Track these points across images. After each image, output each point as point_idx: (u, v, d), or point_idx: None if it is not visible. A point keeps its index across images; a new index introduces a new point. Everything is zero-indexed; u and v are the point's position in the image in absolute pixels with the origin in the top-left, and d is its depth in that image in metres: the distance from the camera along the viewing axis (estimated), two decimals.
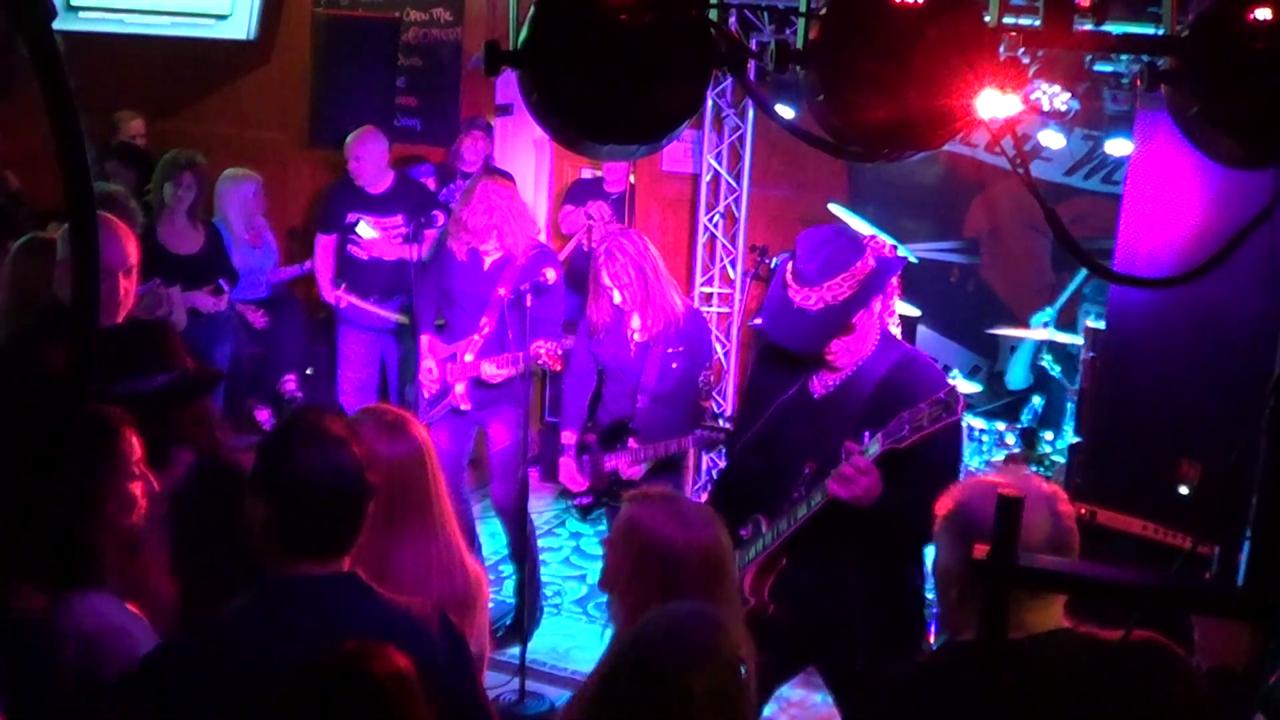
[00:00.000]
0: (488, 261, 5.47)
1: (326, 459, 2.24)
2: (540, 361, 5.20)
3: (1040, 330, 6.26)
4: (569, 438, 5.31)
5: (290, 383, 7.02)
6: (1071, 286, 6.53)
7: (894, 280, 3.66)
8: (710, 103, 7.43)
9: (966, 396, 6.31)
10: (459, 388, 5.50)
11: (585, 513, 6.15)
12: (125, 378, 2.87)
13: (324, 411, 2.41)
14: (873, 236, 3.81)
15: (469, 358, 5.46)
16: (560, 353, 5.24)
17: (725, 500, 3.80)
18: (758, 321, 6.25)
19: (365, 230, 6.64)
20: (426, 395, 5.58)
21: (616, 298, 5.00)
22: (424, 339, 5.64)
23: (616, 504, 5.21)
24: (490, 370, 5.38)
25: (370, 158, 6.62)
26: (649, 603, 2.58)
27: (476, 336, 5.46)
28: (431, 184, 7.14)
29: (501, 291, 5.38)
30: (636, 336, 5.07)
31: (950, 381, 5.87)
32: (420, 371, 5.61)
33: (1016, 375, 6.76)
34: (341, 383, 6.86)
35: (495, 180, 5.53)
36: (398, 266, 6.67)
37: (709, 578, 2.62)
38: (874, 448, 3.23)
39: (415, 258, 6.37)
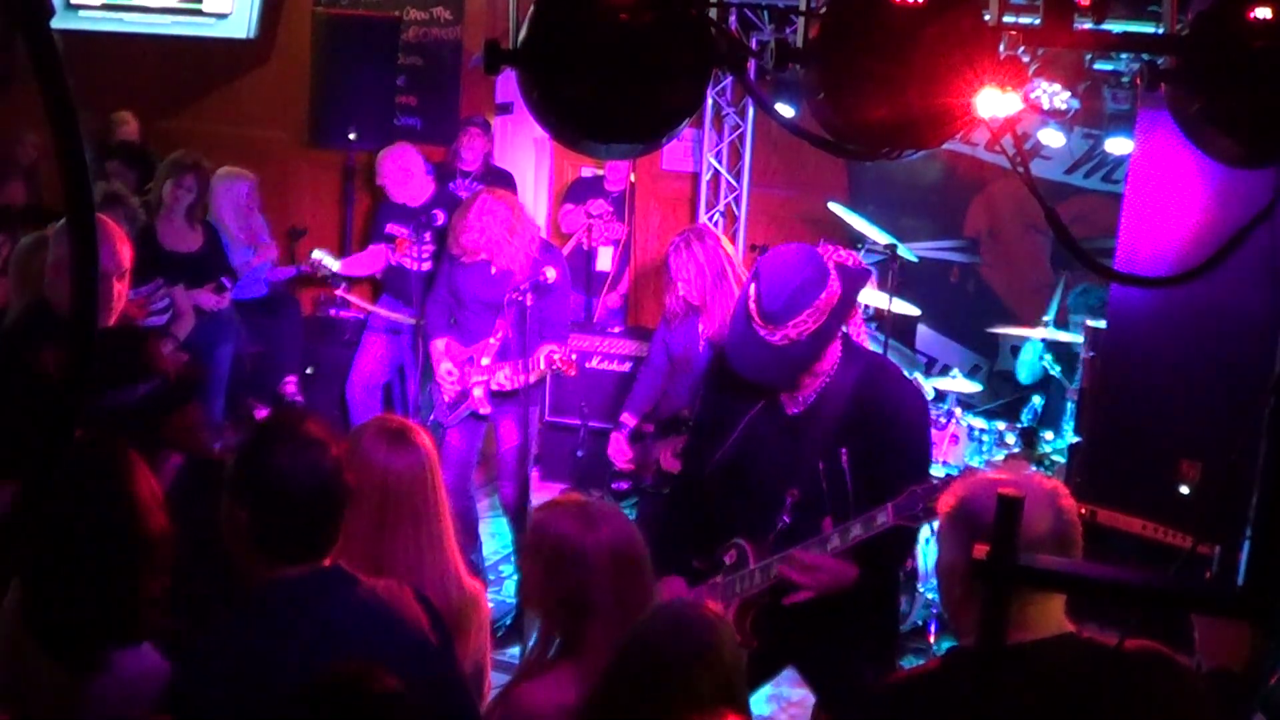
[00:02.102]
0: (494, 267, 5.46)
1: (304, 461, 2.22)
2: (555, 368, 5.25)
3: (1039, 329, 6.26)
4: (628, 419, 5.33)
5: (290, 384, 7.03)
6: (1054, 302, 6.54)
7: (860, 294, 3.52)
8: (710, 101, 7.43)
9: (966, 396, 6.32)
10: (477, 392, 5.50)
11: (619, 499, 6.17)
12: (105, 389, 2.83)
13: (301, 414, 2.39)
14: (835, 250, 3.70)
15: (485, 361, 5.46)
16: (574, 356, 5.26)
17: (695, 522, 3.63)
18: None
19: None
20: (447, 399, 5.57)
21: (681, 290, 5.04)
22: (439, 343, 5.60)
23: (652, 493, 5.24)
24: (503, 378, 5.39)
25: (391, 172, 6.68)
26: (562, 609, 2.53)
27: (492, 340, 5.45)
28: (432, 183, 7.15)
29: (514, 297, 5.37)
30: (704, 331, 5.10)
31: (919, 383, 5.90)
32: (437, 374, 5.59)
33: (1024, 371, 6.74)
34: (352, 376, 6.90)
35: (494, 195, 5.42)
36: (400, 273, 6.70)
37: (621, 577, 2.52)
38: (882, 517, 3.12)
39: (417, 264, 6.39)
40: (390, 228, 6.77)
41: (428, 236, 6.51)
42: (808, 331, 3.23)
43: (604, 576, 2.50)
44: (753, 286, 3.32)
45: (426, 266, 6.46)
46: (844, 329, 3.39)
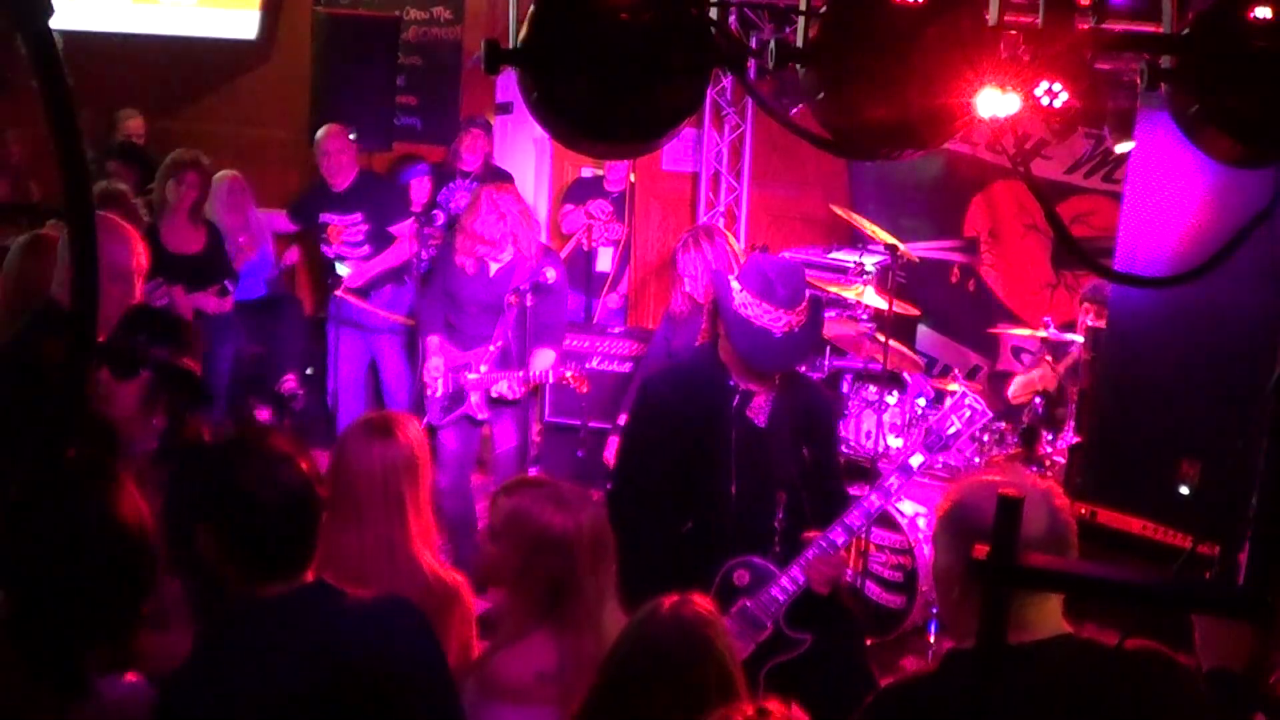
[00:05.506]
0: (494, 269, 5.45)
1: (270, 477, 2.16)
2: (566, 384, 5.37)
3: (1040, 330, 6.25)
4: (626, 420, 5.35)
5: (290, 382, 7.01)
6: None
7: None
8: (710, 101, 7.43)
9: None
10: (474, 397, 5.49)
11: None
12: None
13: (264, 430, 2.36)
14: None
15: (483, 369, 5.45)
16: (584, 373, 5.30)
17: (694, 542, 3.58)
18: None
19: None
20: (437, 395, 5.56)
21: (687, 286, 5.07)
22: (433, 340, 5.58)
23: None
24: (504, 388, 5.39)
25: (326, 153, 6.57)
26: (543, 591, 2.60)
27: (491, 348, 5.45)
28: (429, 183, 7.12)
29: (512, 300, 5.37)
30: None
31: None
32: (425, 370, 5.59)
33: None
34: (338, 381, 6.86)
35: (497, 188, 5.48)
36: (395, 271, 6.68)
37: (597, 560, 2.64)
38: (879, 500, 3.53)
39: (416, 263, 6.36)
40: (323, 216, 6.67)
41: (428, 236, 6.49)
42: (799, 323, 3.53)
43: (586, 556, 2.61)
44: (744, 294, 3.51)
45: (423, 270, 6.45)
46: None
